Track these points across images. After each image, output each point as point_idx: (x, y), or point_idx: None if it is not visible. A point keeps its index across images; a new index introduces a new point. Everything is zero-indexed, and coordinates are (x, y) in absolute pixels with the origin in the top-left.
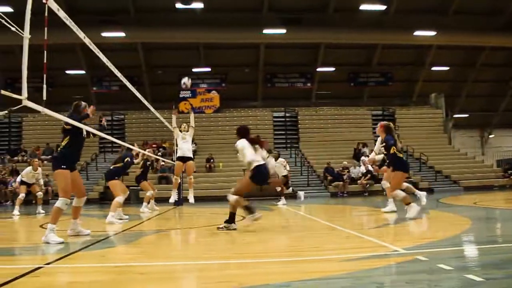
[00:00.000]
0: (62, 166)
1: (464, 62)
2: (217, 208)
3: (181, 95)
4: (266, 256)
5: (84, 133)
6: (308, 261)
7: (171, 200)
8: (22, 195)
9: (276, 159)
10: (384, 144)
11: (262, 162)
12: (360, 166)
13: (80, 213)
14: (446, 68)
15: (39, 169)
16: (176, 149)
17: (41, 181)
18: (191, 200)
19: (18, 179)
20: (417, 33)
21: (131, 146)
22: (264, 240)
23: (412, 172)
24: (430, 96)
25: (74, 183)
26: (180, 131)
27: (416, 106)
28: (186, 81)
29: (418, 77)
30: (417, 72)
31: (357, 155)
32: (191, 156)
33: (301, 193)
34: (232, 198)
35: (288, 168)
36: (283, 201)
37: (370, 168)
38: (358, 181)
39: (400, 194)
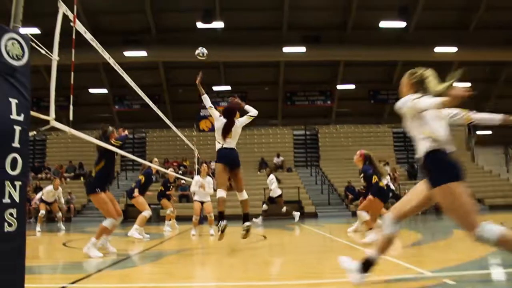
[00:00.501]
0: (96, 190)
1: (487, 77)
2: (237, 226)
3: (201, 114)
4: (285, 278)
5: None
6: (329, 283)
7: (193, 232)
8: (42, 212)
9: (268, 175)
10: (362, 174)
11: (226, 146)
12: None
13: (113, 231)
14: (468, 84)
15: (60, 188)
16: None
17: (62, 200)
18: (212, 232)
19: (38, 196)
20: (438, 49)
21: (149, 163)
22: (284, 261)
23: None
24: None
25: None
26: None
27: None
28: (204, 51)
29: None
30: None
31: None
32: (209, 199)
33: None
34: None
35: (273, 186)
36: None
37: (391, 186)
38: None
39: (365, 216)
